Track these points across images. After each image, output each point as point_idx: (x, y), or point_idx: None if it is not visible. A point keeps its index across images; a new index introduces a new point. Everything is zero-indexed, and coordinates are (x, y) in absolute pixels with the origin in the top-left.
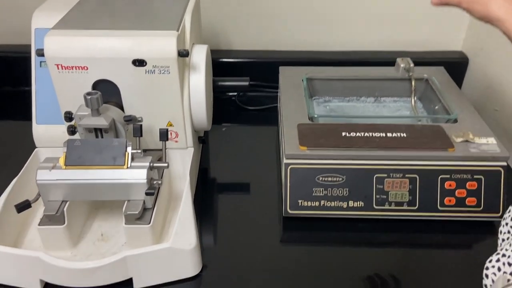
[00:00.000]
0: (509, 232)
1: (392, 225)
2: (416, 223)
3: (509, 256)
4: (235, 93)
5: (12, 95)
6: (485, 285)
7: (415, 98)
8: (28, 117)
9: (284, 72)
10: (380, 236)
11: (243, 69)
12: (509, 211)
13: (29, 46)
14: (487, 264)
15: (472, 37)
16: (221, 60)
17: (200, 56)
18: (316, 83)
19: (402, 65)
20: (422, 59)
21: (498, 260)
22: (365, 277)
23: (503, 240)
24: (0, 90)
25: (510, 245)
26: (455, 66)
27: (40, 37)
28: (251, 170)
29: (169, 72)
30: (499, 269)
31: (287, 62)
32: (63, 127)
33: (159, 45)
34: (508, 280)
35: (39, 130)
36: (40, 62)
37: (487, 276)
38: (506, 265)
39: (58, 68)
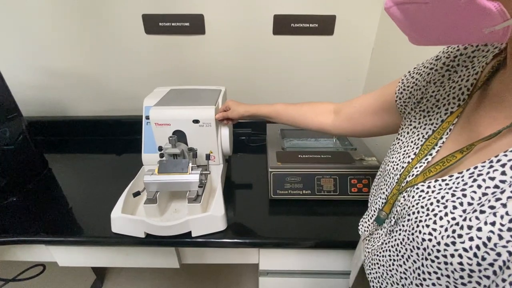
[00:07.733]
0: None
1: (325, 203)
2: (338, 201)
3: (365, 217)
4: (244, 137)
5: (131, 140)
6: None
7: (335, 139)
8: (140, 150)
9: (269, 126)
10: (319, 209)
11: (249, 124)
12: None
13: (141, 116)
14: (360, 222)
15: None
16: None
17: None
18: (286, 132)
19: None
20: None
21: (362, 219)
22: (311, 228)
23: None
24: (126, 138)
25: (368, 207)
26: None
27: (147, 110)
28: (253, 176)
29: (211, 126)
30: (362, 226)
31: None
32: (157, 154)
33: (205, 112)
34: (370, 234)
35: (145, 156)
36: (147, 122)
37: (359, 230)
38: (364, 221)
39: (156, 125)
